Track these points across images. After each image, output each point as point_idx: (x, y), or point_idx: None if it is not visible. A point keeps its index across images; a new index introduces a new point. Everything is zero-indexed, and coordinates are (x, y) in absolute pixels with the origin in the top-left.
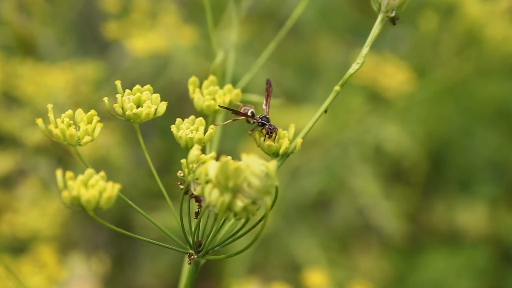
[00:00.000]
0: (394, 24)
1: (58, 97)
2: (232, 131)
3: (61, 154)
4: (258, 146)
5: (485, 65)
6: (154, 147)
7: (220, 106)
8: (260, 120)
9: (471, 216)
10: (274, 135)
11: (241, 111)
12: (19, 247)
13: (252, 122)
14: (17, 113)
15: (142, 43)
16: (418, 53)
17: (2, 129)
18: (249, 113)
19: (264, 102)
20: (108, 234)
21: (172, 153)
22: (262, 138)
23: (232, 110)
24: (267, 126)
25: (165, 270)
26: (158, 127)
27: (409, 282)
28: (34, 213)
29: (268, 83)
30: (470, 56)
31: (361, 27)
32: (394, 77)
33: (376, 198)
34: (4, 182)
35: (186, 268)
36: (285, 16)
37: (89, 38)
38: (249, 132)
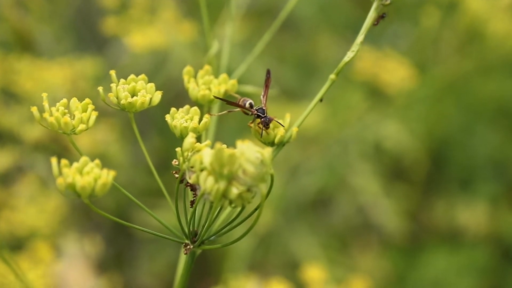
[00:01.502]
0: (377, 23)
1: (56, 93)
2: (230, 125)
3: (60, 151)
4: (258, 139)
5: (486, 62)
6: (152, 145)
7: (215, 97)
8: (256, 112)
9: (472, 215)
10: (272, 126)
11: (239, 102)
12: (16, 245)
13: (250, 114)
14: (16, 109)
15: (140, 39)
16: (418, 50)
17: (0, 125)
18: (247, 105)
19: (262, 93)
20: (106, 233)
21: (170, 151)
22: (258, 129)
23: (227, 101)
24: (262, 119)
25: (163, 270)
26: (156, 125)
27: (410, 281)
28: (32, 211)
29: (268, 73)
30: (471, 53)
31: (361, 24)
32: (395, 73)
33: (376, 196)
34: (1, 179)
35: (182, 259)
36: (285, 14)
37: (86, 35)
38: (249, 124)
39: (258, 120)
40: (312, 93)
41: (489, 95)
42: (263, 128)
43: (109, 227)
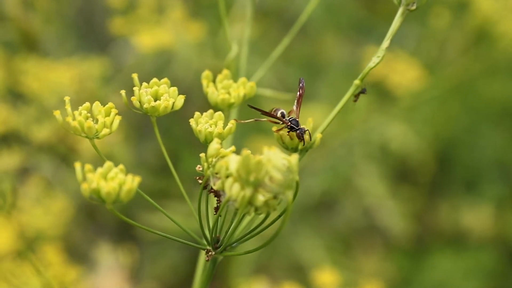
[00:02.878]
0: (356, 100)
1: (64, 94)
2: (237, 129)
3: (65, 152)
4: (281, 144)
5: (493, 63)
6: (157, 146)
7: (250, 106)
8: (289, 123)
9: (477, 217)
10: (307, 137)
11: (272, 112)
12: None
13: (281, 123)
14: (23, 110)
15: (148, 39)
16: (425, 51)
17: (7, 126)
18: (278, 114)
19: (296, 104)
20: (109, 235)
21: (175, 153)
22: (284, 134)
23: (261, 110)
24: (298, 132)
25: (165, 272)
26: (161, 127)
27: (415, 283)
28: (38, 212)
29: (301, 82)
30: (478, 54)
31: (366, 25)
32: (405, 74)
33: (382, 198)
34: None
35: (202, 266)
36: (291, 16)
37: (89, 35)
38: (274, 130)
39: (288, 130)
40: (318, 94)
41: (495, 97)
42: (299, 140)
43: (113, 228)
